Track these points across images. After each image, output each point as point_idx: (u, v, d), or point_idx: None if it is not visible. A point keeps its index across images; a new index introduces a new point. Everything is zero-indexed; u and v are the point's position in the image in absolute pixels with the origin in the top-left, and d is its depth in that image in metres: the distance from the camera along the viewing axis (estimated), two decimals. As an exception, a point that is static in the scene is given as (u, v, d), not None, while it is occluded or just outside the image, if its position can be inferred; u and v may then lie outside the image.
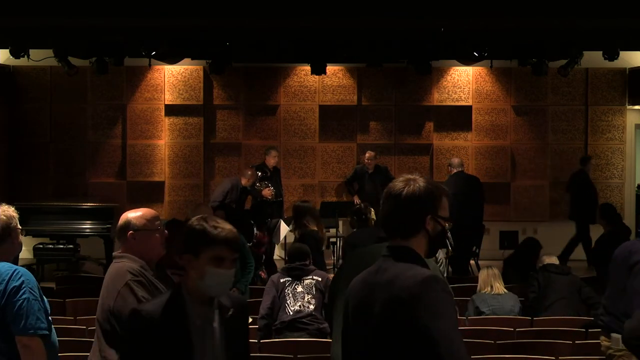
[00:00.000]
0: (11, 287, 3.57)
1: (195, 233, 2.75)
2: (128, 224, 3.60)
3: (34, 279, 3.65)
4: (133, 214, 3.65)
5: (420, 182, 2.55)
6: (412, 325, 2.37)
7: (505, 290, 6.85)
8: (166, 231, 3.75)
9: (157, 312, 2.73)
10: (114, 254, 3.65)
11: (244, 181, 10.23)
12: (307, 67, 11.27)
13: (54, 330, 3.77)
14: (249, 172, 10.35)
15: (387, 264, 2.53)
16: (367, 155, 11.13)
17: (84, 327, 5.97)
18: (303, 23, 8.97)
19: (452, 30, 9.42)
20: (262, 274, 9.15)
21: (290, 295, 5.99)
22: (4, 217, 3.71)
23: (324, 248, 8.84)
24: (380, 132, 12.14)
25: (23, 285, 3.57)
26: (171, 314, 2.74)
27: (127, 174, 12.02)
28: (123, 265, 3.56)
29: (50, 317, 3.73)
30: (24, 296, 3.56)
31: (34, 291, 3.59)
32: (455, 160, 10.53)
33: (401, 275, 2.45)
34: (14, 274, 3.60)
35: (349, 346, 2.63)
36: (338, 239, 10.32)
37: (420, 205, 2.52)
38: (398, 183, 2.57)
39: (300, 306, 5.96)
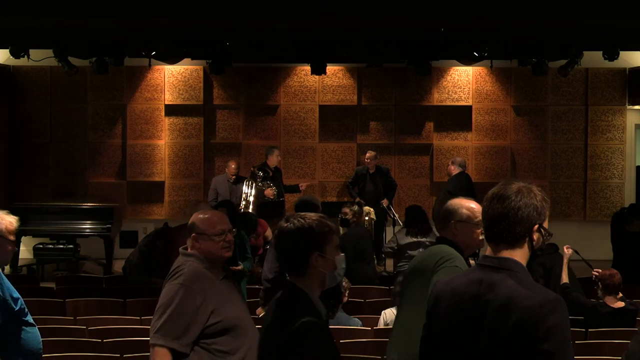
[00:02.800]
0: None
1: (316, 230, 2.81)
2: (192, 226, 3.59)
3: None
4: (199, 216, 3.63)
5: (536, 190, 2.47)
6: (532, 349, 2.26)
7: None
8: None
9: (320, 318, 2.78)
10: (181, 249, 3.62)
11: (229, 173, 10.79)
12: (307, 67, 11.27)
13: (27, 329, 3.76)
14: (232, 165, 10.86)
15: (492, 277, 2.40)
16: (367, 155, 11.12)
17: (84, 327, 5.97)
18: (303, 23, 8.96)
19: (452, 30, 9.42)
20: (259, 270, 9.18)
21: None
22: None
23: None
24: (380, 132, 12.14)
25: None
26: (323, 317, 2.83)
27: (127, 174, 12.02)
28: (185, 264, 3.55)
29: (24, 315, 3.74)
30: None
31: None
32: (460, 160, 10.61)
33: (519, 293, 2.32)
34: None
35: (439, 355, 2.52)
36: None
37: (533, 213, 2.42)
38: (511, 186, 2.46)
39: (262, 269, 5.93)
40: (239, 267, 7.27)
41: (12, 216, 3.96)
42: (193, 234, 3.56)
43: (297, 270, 2.81)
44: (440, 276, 3.34)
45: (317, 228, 2.80)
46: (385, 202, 10.94)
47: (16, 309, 3.72)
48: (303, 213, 2.89)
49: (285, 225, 2.83)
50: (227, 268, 3.68)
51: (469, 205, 3.66)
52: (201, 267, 3.49)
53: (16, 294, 3.76)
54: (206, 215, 3.63)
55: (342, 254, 2.90)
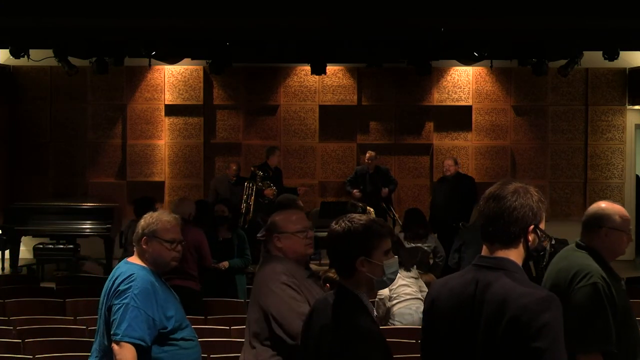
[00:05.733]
0: (117, 289, 3.57)
1: (363, 233, 2.77)
2: (273, 226, 3.57)
3: (147, 288, 3.56)
4: (278, 216, 3.62)
5: (532, 191, 2.46)
6: (525, 346, 2.27)
7: None
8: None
9: (373, 320, 2.79)
10: (263, 253, 3.61)
11: (230, 174, 10.76)
12: (307, 67, 11.27)
13: (182, 346, 3.65)
14: (233, 166, 10.82)
15: (487, 276, 2.41)
16: (367, 155, 11.09)
17: (84, 327, 5.96)
18: (303, 23, 8.96)
19: (452, 30, 9.42)
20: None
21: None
22: (142, 221, 3.75)
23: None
24: (380, 132, 12.14)
25: (128, 291, 3.54)
26: (374, 318, 2.83)
27: (127, 174, 12.03)
28: (274, 266, 3.52)
29: (178, 333, 3.63)
30: (124, 301, 3.52)
31: (138, 300, 3.52)
32: (457, 160, 10.64)
33: (513, 292, 2.33)
34: (128, 278, 3.58)
35: (436, 355, 2.54)
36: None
37: (528, 214, 2.42)
38: (507, 187, 2.46)
39: None
40: (224, 265, 7.26)
41: (171, 215, 3.81)
42: (275, 234, 3.53)
43: (344, 273, 2.80)
44: (580, 298, 3.27)
45: (365, 232, 2.76)
46: (385, 192, 10.83)
47: (169, 328, 3.60)
48: (353, 215, 2.85)
49: (335, 227, 2.81)
50: (309, 267, 3.70)
51: (623, 213, 3.54)
52: (284, 266, 3.48)
53: (171, 312, 3.63)
54: (285, 215, 3.63)
55: (395, 257, 2.85)
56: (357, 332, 2.65)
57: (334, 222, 2.84)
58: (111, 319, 3.56)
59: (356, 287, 2.78)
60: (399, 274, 6.13)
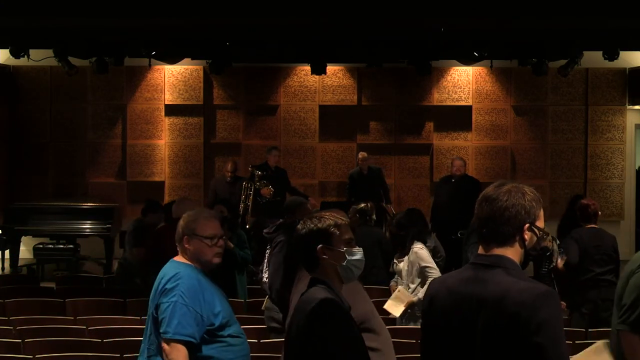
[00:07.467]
0: (164, 288, 3.55)
1: (319, 224, 2.98)
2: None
3: (194, 284, 3.54)
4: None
5: (527, 190, 2.47)
6: (525, 343, 2.28)
7: None
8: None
9: (341, 301, 2.91)
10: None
11: (226, 173, 10.67)
12: (307, 67, 11.28)
13: (229, 342, 3.62)
14: (229, 165, 10.75)
15: (484, 274, 2.42)
16: (360, 156, 11.01)
17: (84, 327, 5.97)
18: (303, 23, 8.96)
19: (452, 30, 9.42)
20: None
21: (266, 260, 5.94)
22: (181, 221, 3.71)
23: None
24: (380, 132, 12.14)
25: (175, 289, 3.51)
26: (345, 305, 2.92)
27: (127, 174, 12.03)
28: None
29: (225, 329, 3.61)
30: (172, 299, 3.50)
31: (185, 297, 3.50)
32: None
33: (511, 288, 2.33)
34: (174, 276, 3.57)
35: (438, 354, 2.52)
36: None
37: (520, 212, 2.43)
38: (501, 188, 2.48)
39: (268, 278, 5.92)
40: (229, 245, 7.25)
41: (209, 211, 3.82)
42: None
43: (309, 266, 2.98)
44: (634, 279, 3.51)
45: (320, 223, 2.97)
46: (390, 209, 10.80)
47: (216, 324, 3.58)
48: (317, 213, 3.06)
49: (297, 227, 3.02)
50: None
51: None
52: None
53: (218, 308, 3.60)
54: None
55: (359, 248, 3.00)
56: (323, 304, 2.78)
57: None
58: (160, 318, 3.55)
59: (325, 277, 2.92)
60: (431, 256, 6.25)
